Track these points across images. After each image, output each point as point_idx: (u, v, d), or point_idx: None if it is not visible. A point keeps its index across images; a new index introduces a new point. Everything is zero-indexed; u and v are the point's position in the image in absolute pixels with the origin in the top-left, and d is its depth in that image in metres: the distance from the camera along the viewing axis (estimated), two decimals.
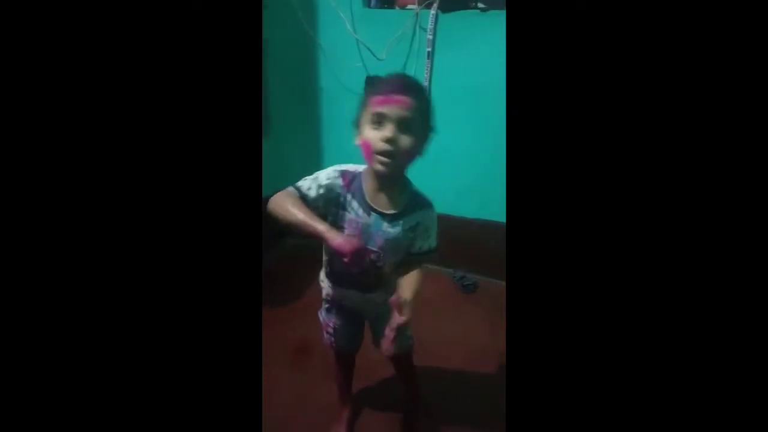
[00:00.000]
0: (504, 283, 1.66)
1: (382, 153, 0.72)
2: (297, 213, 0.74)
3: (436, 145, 0.81)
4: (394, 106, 0.71)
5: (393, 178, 0.78)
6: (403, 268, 0.85)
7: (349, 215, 0.80)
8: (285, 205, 0.75)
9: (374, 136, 0.72)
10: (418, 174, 0.83)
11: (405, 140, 0.72)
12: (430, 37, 1.49)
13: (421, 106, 0.74)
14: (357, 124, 0.77)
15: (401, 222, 0.81)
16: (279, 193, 0.78)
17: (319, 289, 0.99)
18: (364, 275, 0.85)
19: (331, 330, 1.01)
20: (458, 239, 1.51)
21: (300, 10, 1.56)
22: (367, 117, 0.74)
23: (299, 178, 0.81)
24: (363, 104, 0.76)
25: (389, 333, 0.76)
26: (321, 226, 0.72)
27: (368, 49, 1.57)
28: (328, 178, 0.80)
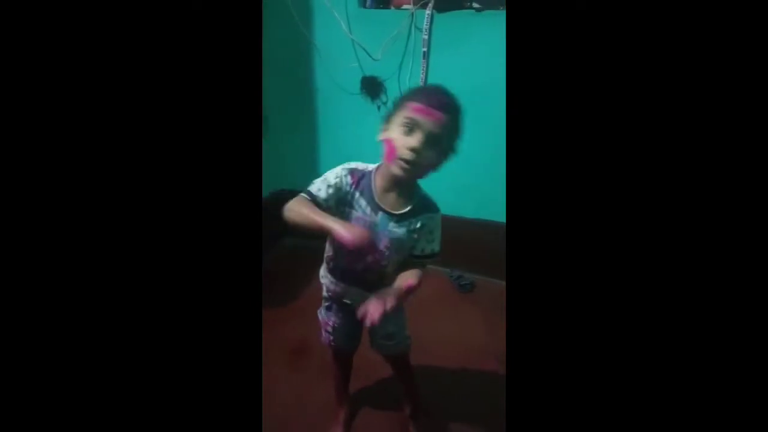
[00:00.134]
0: (501, 283, 1.68)
1: (404, 159, 0.73)
2: (309, 215, 0.74)
3: None
4: (430, 119, 0.72)
5: (404, 182, 0.79)
6: (405, 269, 0.85)
7: (356, 213, 0.81)
8: (298, 210, 0.76)
9: (401, 140, 0.73)
10: None
11: (428, 154, 0.74)
12: (426, 37, 1.50)
13: (453, 126, 0.76)
14: (386, 120, 0.78)
15: (407, 223, 0.82)
16: (292, 201, 0.79)
17: (319, 289, 0.99)
18: (368, 273, 0.85)
19: (330, 329, 1.01)
20: (457, 239, 1.52)
21: (295, 11, 1.55)
22: (399, 118, 0.74)
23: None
24: (399, 104, 0.77)
25: (377, 303, 0.71)
26: (331, 222, 0.72)
27: (364, 49, 1.57)
28: (336, 177, 0.80)
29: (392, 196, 0.80)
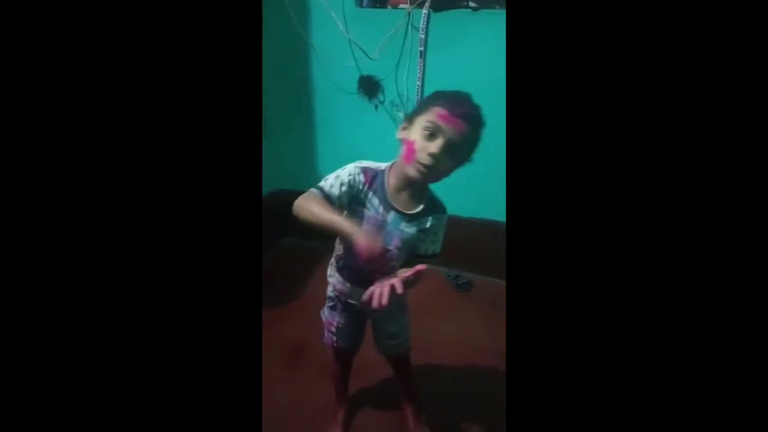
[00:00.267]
0: (500, 282, 1.68)
1: (422, 163, 0.74)
2: (321, 213, 0.73)
3: None
4: (453, 127, 0.73)
5: (418, 183, 0.79)
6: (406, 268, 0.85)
7: (369, 212, 0.81)
8: (309, 207, 0.75)
9: (421, 144, 0.74)
10: None
11: (446, 161, 0.75)
12: (422, 36, 1.50)
13: (474, 138, 0.76)
14: (409, 120, 0.78)
15: (417, 223, 0.82)
16: (303, 195, 0.78)
17: (319, 288, 0.99)
18: (376, 274, 0.85)
19: (334, 329, 1.01)
20: (457, 238, 1.52)
21: (292, 11, 1.55)
22: (423, 121, 0.74)
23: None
24: (425, 106, 0.77)
25: (385, 286, 0.70)
26: (347, 226, 0.72)
27: (360, 48, 1.57)
28: (350, 175, 0.80)
29: (404, 196, 0.81)
